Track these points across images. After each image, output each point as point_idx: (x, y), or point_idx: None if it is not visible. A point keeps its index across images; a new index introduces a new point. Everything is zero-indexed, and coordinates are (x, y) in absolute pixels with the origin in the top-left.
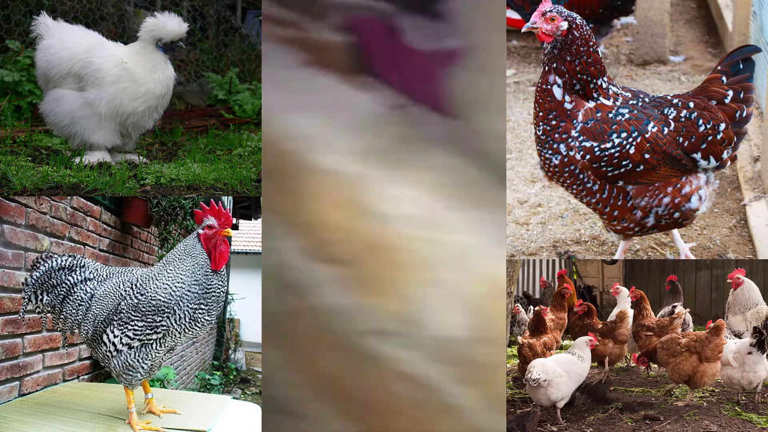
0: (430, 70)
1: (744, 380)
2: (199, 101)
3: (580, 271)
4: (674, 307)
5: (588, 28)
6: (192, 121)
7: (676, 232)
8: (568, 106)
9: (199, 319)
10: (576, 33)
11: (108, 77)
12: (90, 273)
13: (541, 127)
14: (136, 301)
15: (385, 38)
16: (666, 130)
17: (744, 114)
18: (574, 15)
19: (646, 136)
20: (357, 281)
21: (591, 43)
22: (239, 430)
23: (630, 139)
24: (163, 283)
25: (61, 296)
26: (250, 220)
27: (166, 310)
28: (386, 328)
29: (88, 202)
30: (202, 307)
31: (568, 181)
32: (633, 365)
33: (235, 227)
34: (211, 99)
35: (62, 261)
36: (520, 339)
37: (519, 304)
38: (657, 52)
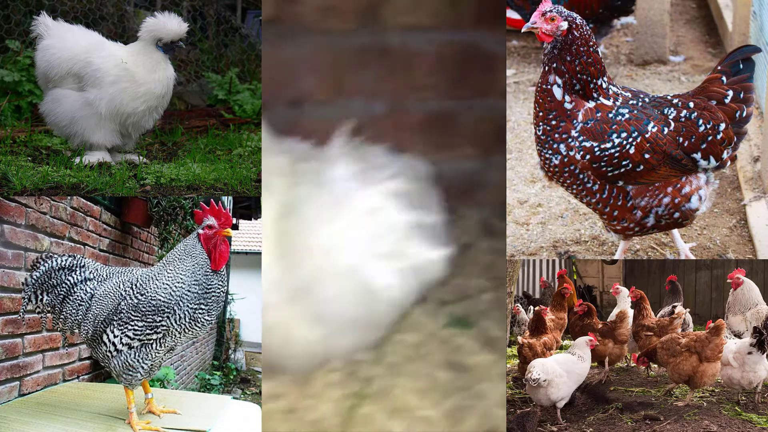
0: None
1: (744, 380)
2: (199, 101)
3: (580, 271)
4: (674, 307)
5: (588, 28)
6: (192, 121)
7: (676, 232)
8: (568, 106)
9: (199, 319)
10: (576, 33)
11: (108, 77)
12: (90, 273)
13: (541, 127)
14: (136, 301)
15: None
16: (666, 130)
17: (744, 114)
18: (574, 15)
19: (646, 136)
20: None
21: (591, 43)
22: (239, 430)
23: (630, 139)
24: (163, 283)
25: (61, 296)
26: (250, 220)
27: (166, 310)
28: None
29: (88, 202)
30: (202, 307)
31: (568, 181)
32: (633, 365)
33: (235, 227)
34: (211, 99)
35: (62, 261)
36: (520, 339)
37: (519, 304)
38: (657, 52)
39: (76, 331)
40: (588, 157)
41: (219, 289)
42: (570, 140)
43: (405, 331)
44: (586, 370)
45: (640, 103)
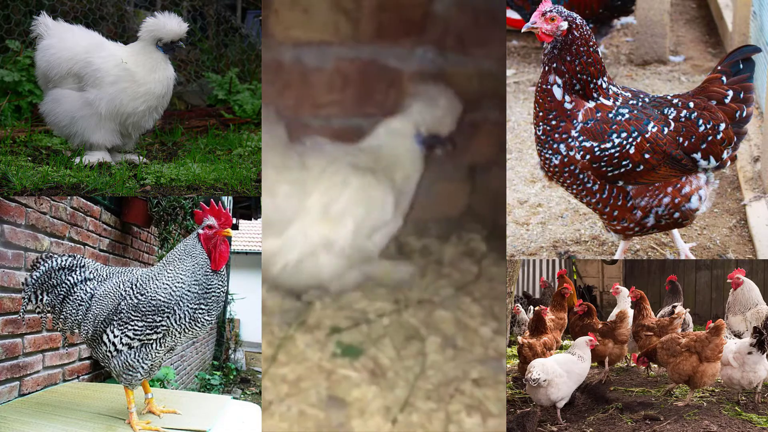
0: None
1: (744, 380)
2: (199, 101)
3: (580, 271)
4: (674, 307)
5: (588, 28)
6: (192, 121)
7: (676, 232)
8: (568, 106)
9: (199, 319)
10: (576, 33)
11: (108, 77)
12: (90, 273)
13: (541, 127)
14: (136, 301)
15: None
16: (666, 130)
17: (744, 114)
18: (574, 15)
19: (646, 136)
20: None
21: (591, 43)
22: (239, 430)
23: (630, 139)
24: (163, 283)
25: (61, 296)
26: (250, 220)
27: (166, 310)
28: None
29: (88, 202)
30: (202, 307)
31: (568, 181)
32: (633, 365)
33: (235, 227)
34: (211, 99)
35: (62, 261)
36: (520, 339)
37: (519, 304)
38: (657, 52)
39: (76, 331)
40: (588, 157)
41: (219, 289)
42: (570, 140)
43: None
44: (586, 370)
45: (640, 103)
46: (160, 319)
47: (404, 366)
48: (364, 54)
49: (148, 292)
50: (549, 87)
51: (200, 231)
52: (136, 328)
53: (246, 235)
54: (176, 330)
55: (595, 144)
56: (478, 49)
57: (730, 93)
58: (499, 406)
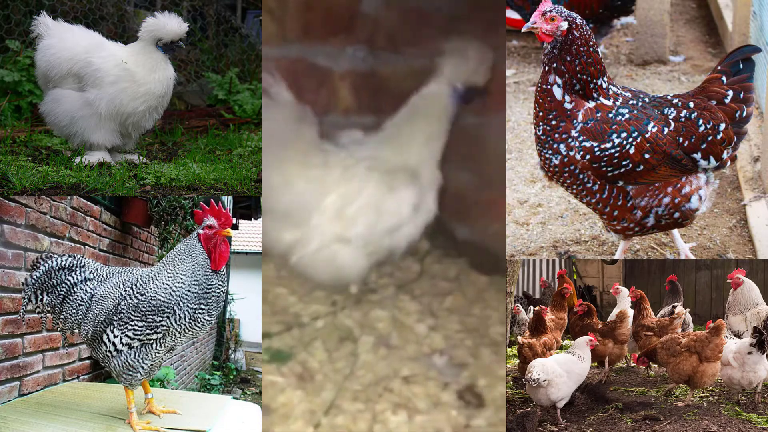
0: None
1: (744, 380)
2: (199, 101)
3: (580, 271)
4: (674, 307)
5: (588, 28)
6: (192, 121)
7: (676, 232)
8: (568, 106)
9: (199, 319)
10: (576, 33)
11: (108, 77)
12: (90, 273)
13: (541, 127)
14: (136, 301)
15: None
16: (666, 130)
17: (744, 114)
18: (574, 15)
19: (646, 136)
20: None
21: (591, 43)
22: (239, 430)
23: (630, 139)
24: (163, 283)
25: (61, 296)
26: (250, 220)
27: (166, 310)
28: None
29: (88, 202)
30: (202, 307)
31: (568, 181)
32: (633, 365)
33: (235, 227)
34: (211, 99)
35: (62, 261)
36: (520, 339)
37: (519, 304)
38: (657, 52)
39: (76, 331)
40: (588, 157)
41: (219, 289)
42: (570, 140)
43: None
44: (586, 370)
45: (640, 103)
46: (160, 319)
47: (334, 368)
48: (291, 53)
49: (148, 292)
50: (549, 87)
51: (200, 231)
52: (136, 328)
53: (246, 235)
54: (176, 330)
55: (595, 144)
56: (410, 47)
57: (730, 93)
58: (428, 403)
